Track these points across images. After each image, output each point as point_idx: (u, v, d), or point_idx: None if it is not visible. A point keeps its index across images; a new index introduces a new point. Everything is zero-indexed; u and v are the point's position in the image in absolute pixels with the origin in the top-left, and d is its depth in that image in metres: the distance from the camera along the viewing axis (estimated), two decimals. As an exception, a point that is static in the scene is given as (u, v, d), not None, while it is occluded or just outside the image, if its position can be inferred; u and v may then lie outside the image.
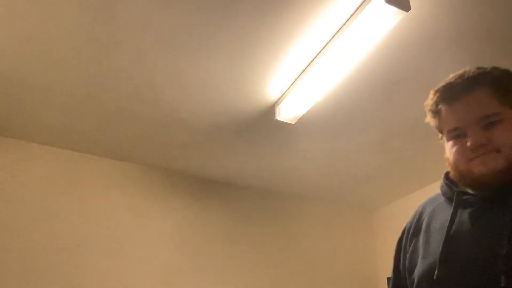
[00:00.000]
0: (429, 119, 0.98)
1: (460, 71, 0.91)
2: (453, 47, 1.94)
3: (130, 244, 2.81)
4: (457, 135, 0.90)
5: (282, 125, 2.52)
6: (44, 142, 2.79)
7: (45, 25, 1.83)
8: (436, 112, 0.94)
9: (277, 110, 2.33)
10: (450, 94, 0.90)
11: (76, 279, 2.57)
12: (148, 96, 2.31)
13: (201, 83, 2.20)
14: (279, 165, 3.05)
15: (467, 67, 0.92)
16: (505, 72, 0.91)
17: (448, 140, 0.92)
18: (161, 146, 2.83)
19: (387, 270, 3.97)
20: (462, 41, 1.90)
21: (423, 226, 0.99)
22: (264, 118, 2.49)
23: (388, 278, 3.62)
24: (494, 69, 0.91)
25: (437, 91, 0.94)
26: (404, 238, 1.07)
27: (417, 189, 3.41)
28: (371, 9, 1.64)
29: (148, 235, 2.90)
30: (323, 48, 1.93)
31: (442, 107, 0.92)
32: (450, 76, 0.92)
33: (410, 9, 1.62)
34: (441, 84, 0.93)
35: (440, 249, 0.87)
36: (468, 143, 0.86)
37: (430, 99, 0.96)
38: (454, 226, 0.88)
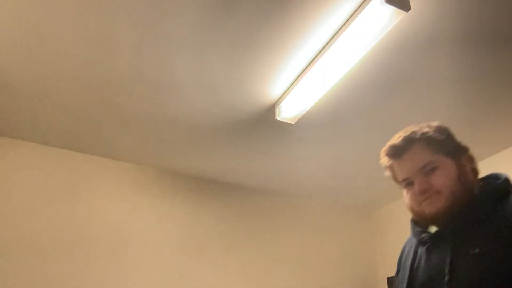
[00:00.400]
0: (387, 173, 1.18)
1: (399, 133, 1.12)
2: (453, 47, 1.94)
3: (130, 243, 2.81)
4: (407, 184, 1.09)
5: (282, 125, 2.52)
6: (44, 142, 2.79)
7: (46, 26, 1.83)
8: (389, 168, 1.15)
9: (277, 110, 2.33)
10: (395, 153, 1.11)
11: (77, 279, 2.57)
12: (148, 96, 2.31)
13: (201, 83, 2.20)
14: (279, 165, 3.05)
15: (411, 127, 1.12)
16: (435, 128, 1.10)
17: (403, 189, 1.12)
18: (161, 146, 2.83)
19: (387, 270, 4.01)
20: (462, 41, 1.90)
21: (401, 265, 1.19)
22: (264, 118, 2.49)
23: (388, 278, 3.63)
24: (426, 126, 1.11)
25: (385, 151, 1.15)
26: (396, 273, 1.26)
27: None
28: (371, 9, 1.64)
29: (148, 234, 2.90)
30: (323, 48, 1.93)
31: (392, 163, 1.13)
32: (393, 138, 1.13)
33: (410, 9, 1.62)
34: (387, 145, 1.14)
35: (406, 285, 1.08)
36: (416, 189, 1.05)
37: (382, 158, 1.17)
38: (415, 263, 1.09)
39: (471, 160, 1.11)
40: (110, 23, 1.82)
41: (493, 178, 1.07)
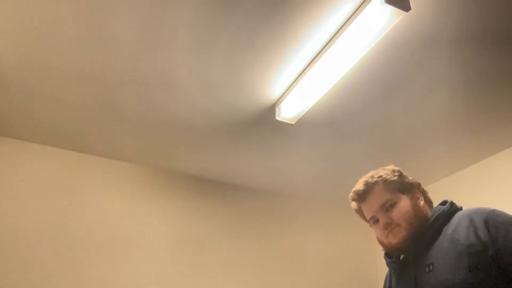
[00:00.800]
0: (358, 214, 1.38)
1: (360, 180, 1.33)
2: (453, 47, 1.94)
3: (130, 243, 2.81)
4: (374, 221, 1.28)
5: (282, 125, 2.52)
6: (44, 142, 2.79)
7: (46, 26, 1.83)
8: (358, 210, 1.35)
9: (277, 110, 2.33)
10: (359, 197, 1.31)
11: (77, 279, 2.58)
12: (148, 96, 2.31)
13: (201, 83, 2.20)
14: (279, 165, 3.05)
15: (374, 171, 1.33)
16: (390, 171, 1.30)
17: (372, 226, 1.31)
18: (161, 146, 2.83)
19: (387, 270, 3.95)
20: (462, 41, 1.90)
21: None
22: (264, 118, 2.49)
23: (388, 278, 3.61)
24: (382, 170, 1.32)
25: (352, 197, 1.34)
26: None
27: (417, 189, 3.41)
28: (371, 9, 1.64)
29: (148, 234, 2.90)
30: (323, 48, 1.93)
31: (359, 206, 1.33)
32: (356, 185, 1.33)
33: (410, 9, 1.62)
34: (352, 191, 1.34)
35: None
36: (380, 225, 1.24)
37: (351, 203, 1.37)
38: None
39: (423, 192, 1.31)
40: (111, 23, 1.82)
41: (440, 205, 1.26)
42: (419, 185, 1.31)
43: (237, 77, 2.15)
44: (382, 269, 3.58)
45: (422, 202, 1.26)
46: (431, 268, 1.11)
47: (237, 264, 3.10)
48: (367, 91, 2.25)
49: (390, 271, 1.34)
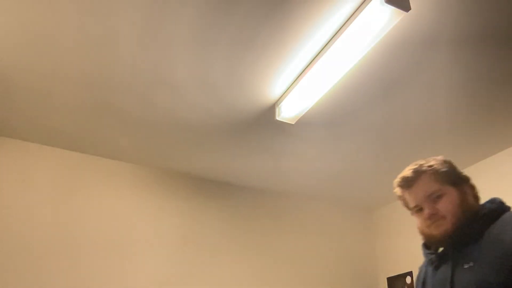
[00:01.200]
0: (400, 201, 1.34)
1: (409, 166, 1.29)
2: (453, 47, 1.94)
3: (130, 243, 2.81)
4: (418, 210, 1.25)
5: (282, 125, 2.52)
6: (45, 142, 2.79)
7: (46, 26, 1.83)
8: (401, 197, 1.31)
9: (277, 110, 2.33)
10: (406, 184, 1.27)
11: (77, 279, 2.58)
12: (148, 96, 2.31)
13: (201, 83, 2.20)
14: (279, 165, 3.05)
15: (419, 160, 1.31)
16: (440, 161, 1.28)
17: (414, 214, 1.27)
18: (161, 146, 2.83)
19: (387, 270, 4.00)
20: (462, 41, 1.90)
21: (420, 284, 1.34)
22: (264, 118, 2.49)
23: (388, 278, 3.63)
24: (432, 159, 1.29)
25: (398, 183, 1.30)
26: None
27: (417, 189, 3.41)
28: (371, 9, 1.64)
29: (148, 234, 2.90)
30: (323, 48, 1.93)
31: (404, 193, 1.29)
32: (404, 171, 1.29)
33: (410, 9, 1.62)
34: (399, 177, 1.30)
35: None
36: (425, 215, 1.21)
37: (395, 188, 1.33)
38: (426, 281, 1.27)
39: (472, 188, 1.27)
40: (111, 23, 1.81)
41: (489, 203, 1.22)
42: (468, 179, 1.29)
43: (237, 77, 2.15)
44: (382, 269, 3.59)
45: (470, 197, 1.24)
46: (471, 265, 1.09)
47: (237, 263, 3.10)
48: (367, 91, 2.25)
49: (426, 262, 1.31)
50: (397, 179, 1.31)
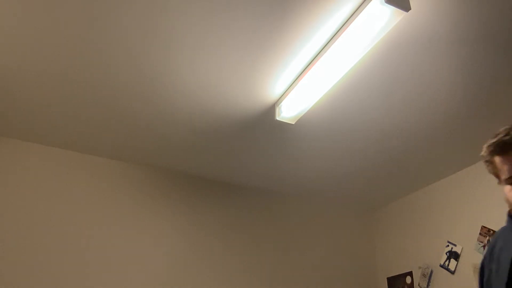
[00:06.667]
0: (489, 168, 1.17)
1: (505, 128, 1.12)
2: (453, 47, 1.94)
3: (129, 243, 2.81)
4: None
5: (282, 125, 2.52)
6: (44, 142, 2.79)
7: (46, 26, 1.83)
8: (490, 162, 1.14)
9: (277, 110, 2.33)
10: (502, 149, 1.09)
11: (76, 278, 2.58)
12: (148, 96, 2.31)
13: (201, 84, 2.20)
14: (279, 165, 3.05)
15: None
16: None
17: (506, 185, 1.11)
18: (161, 146, 2.83)
19: (387, 270, 3.99)
20: (462, 41, 1.90)
21: (495, 255, 1.18)
22: (264, 118, 2.49)
23: (388, 278, 3.63)
24: None
25: (490, 145, 1.13)
26: (483, 264, 1.24)
27: (417, 189, 3.41)
28: (371, 9, 1.64)
29: (148, 234, 2.90)
30: (323, 48, 1.93)
31: (495, 158, 1.12)
32: (499, 132, 1.12)
33: (410, 9, 1.62)
34: (492, 140, 1.12)
35: (506, 278, 1.07)
36: None
37: (484, 151, 1.15)
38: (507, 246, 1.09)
39: None
40: (111, 23, 1.82)
41: None
42: None
43: (237, 77, 2.15)
44: (382, 268, 3.58)
45: None
46: None
47: (236, 263, 3.10)
48: (367, 91, 2.25)
49: (508, 229, 1.16)
50: (490, 142, 1.13)
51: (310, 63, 2.02)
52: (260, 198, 3.43)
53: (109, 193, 2.91)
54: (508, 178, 1.08)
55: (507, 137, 1.08)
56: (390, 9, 1.61)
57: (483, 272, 1.22)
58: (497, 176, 1.14)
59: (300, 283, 3.27)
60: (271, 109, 2.39)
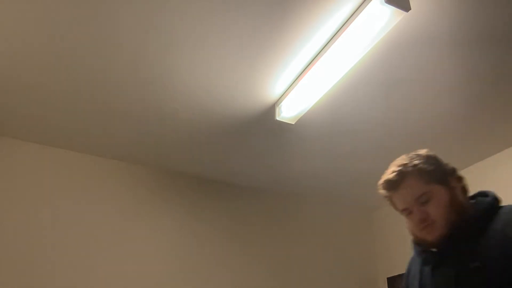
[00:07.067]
0: (389, 203, 1.26)
1: (391, 167, 1.21)
2: (453, 47, 1.94)
3: (129, 243, 2.81)
4: (407, 213, 1.17)
5: (282, 125, 2.52)
6: (44, 142, 2.79)
7: (46, 27, 1.83)
8: (389, 199, 1.24)
9: (277, 110, 2.33)
10: (391, 187, 1.19)
11: (76, 278, 2.57)
12: (148, 96, 2.31)
13: (201, 84, 2.20)
14: (279, 165, 3.05)
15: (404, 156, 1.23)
16: (425, 158, 1.18)
17: (405, 217, 1.20)
18: (161, 146, 2.83)
19: (387, 270, 3.99)
20: (462, 41, 1.90)
21: (409, 283, 1.29)
22: (264, 118, 2.49)
23: (388, 278, 3.62)
24: (416, 156, 1.20)
25: (382, 186, 1.23)
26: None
27: (417, 189, 3.41)
28: (371, 9, 1.64)
29: (148, 234, 2.90)
30: (323, 48, 1.93)
31: (390, 195, 1.22)
32: (387, 172, 1.22)
33: (410, 9, 1.62)
34: (383, 180, 1.22)
35: None
36: (415, 219, 1.14)
37: (380, 190, 1.25)
38: (423, 282, 1.18)
39: (460, 179, 1.19)
40: (111, 24, 1.81)
41: (482, 196, 1.17)
42: (454, 171, 1.19)
43: (237, 77, 2.15)
44: (382, 269, 3.58)
45: (459, 192, 1.15)
46: (477, 265, 1.01)
47: (236, 263, 3.10)
48: (367, 91, 2.25)
49: (420, 261, 1.22)
50: (381, 182, 1.23)
51: (310, 63, 2.02)
52: (260, 198, 3.43)
53: (108, 193, 2.90)
54: (402, 210, 1.18)
55: (392, 175, 1.18)
56: (390, 9, 1.61)
57: None
58: (396, 210, 1.23)
59: (300, 283, 3.26)
60: (271, 109, 2.39)
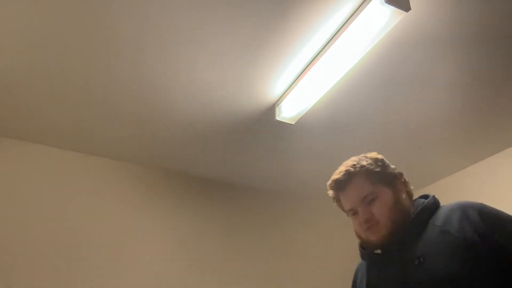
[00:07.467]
0: (335, 203, 1.33)
1: (340, 168, 1.27)
2: (453, 47, 1.94)
3: (129, 243, 2.81)
4: (353, 213, 1.21)
5: (282, 125, 2.52)
6: (44, 142, 2.79)
7: (46, 27, 1.83)
8: (336, 199, 1.30)
9: (277, 110, 2.33)
10: (338, 186, 1.25)
11: (75, 279, 2.57)
12: (148, 96, 2.31)
13: (201, 83, 2.20)
14: (279, 165, 3.05)
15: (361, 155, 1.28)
16: (372, 160, 1.23)
17: (350, 217, 1.24)
18: (161, 146, 2.83)
19: (387, 270, 3.86)
20: (462, 41, 1.90)
21: (357, 286, 1.33)
22: (264, 118, 2.49)
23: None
24: (364, 158, 1.25)
25: (330, 185, 1.29)
26: None
27: (416, 189, 3.41)
28: (371, 9, 1.64)
29: (148, 235, 2.90)
30: (323, 48, 1.93)
31: (338, 195, 1.27)
32: (335, 173, 1.27)
33: (410, 9, 1.62)
34: (331, 180, 1.28)
35: None
36: (360, 219, 1.17)
37: (328, 191, 1.32)
38: (371, 284, 1.21)
39: (406, 184, 1.23)
40: (111, 24, 1.82)
41: (423, 198, 1.22)
42: (401, 175, 1.24)
43: (237, 77, 2.15)
44: (382, 269, 3.58)
45: (404, 195, 1.20)
46: (421, 261, 1.04)
47: (237, 263, 3.10)
48: (367, 91, 2.25)
49: (367, 263, 1.28)
50: (330, 182, 1.28)
51: (310, 63, 2.02)
52: (260, 198, 3.43)
53: (108, 193, 2.90)
54: (348, 210, 1.22)
55: (340, 175, 1.23)
56: (390, 9, 1.61)
57: None
58: (344, 210, 1.27)
59: (300, 283, 3.26)
60: (271, 109, 2.39)
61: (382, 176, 1.20)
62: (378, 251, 1.19)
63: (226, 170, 3.15)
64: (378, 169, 1.21)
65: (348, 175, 1.22)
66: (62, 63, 2.06)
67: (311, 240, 3.49)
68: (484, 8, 1.72)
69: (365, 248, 1.25)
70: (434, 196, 1.20)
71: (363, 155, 1.28)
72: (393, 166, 1.24)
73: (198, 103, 2.36)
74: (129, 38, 1.90)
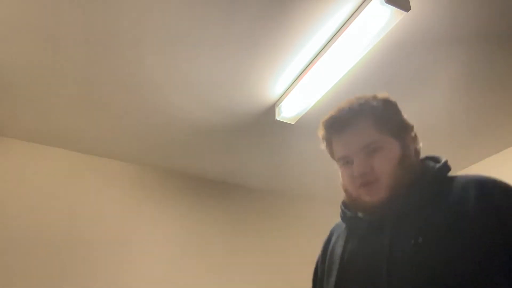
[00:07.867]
0: (324, 147, 1.07)
1: (343, 103, 1.00)
2: (453, 47, 1.94)
3: (129, 243, 2.81)
4: (346, 162, 0.97)
5: (282, 125, 2.52)
6: (45, 142, 2.79)
7: (46, 26, 1.83)
8: (328, 142, 1.04)
9: (277, 110, 2.33)
10: (336, 126, 0.99)
11: (77, 279, 2.57)
12: (148, 96, 2.31)
13: (201, 83, 2.20)
14: (279, 165, 3.05)
15: (355, 97, 1.02)
16: (383, 102, 0.99)
17: (340, 167, 1.00)
18: (161, 146, 2.83)
19: (387, 270, 3.89)
20: (462, 41, 1.90)
21: (328, 254, 1.06)
22: (264, 118, 2.49)
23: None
24: (373, 98, 0.99)
25: (325, 123, 1.03)
26: (318, 262, 1.14)
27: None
28: (371, 9, 1.64)
29: (148, 234, 2.90)
30: (323, 48, 1.93)
31: (331, 137, 1.02)
32: (335, 109, 1.01)
33: (410, 9, 1.62)
34: (328, 116, 1.01)
35: (335, 277, 0.95)
36: (355, 171, 0.93)
37: (321, 130, 1.05)
38: (347, 253, 0.96)
39: (415, 139, 1.00)
40: (111, 24, 1.82)
41: (433, 161, 0.98)
42: (412, 128, 1.01)
43: (237, 77, 2.15)
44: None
45: (411, 153, 0.96)
46: (418, 241, 0.81)
47: (237, 263, 3.10)
48: (367, 91, 2.23)
49: (347, 228, 1.03)
50: (326, 117, 1.03)
51: (310, 63, 2.02)
52: (260, 198, 3.43)
53: (108, 193, 2.90)
54: (340, 158, 0.99)
55: (342, 113, 1.00)
56: (390, 9, 1.61)
57: (317, 273, 1.11)
58: (332, 157, 1.04)
59: (299, 283, 3.26)
60: (271, 109, 2.39)
61: (392, 124, 0.97)
62: (365, 216, 0.95)
63: (226, 170, 3.15)
64: (389, 116, 0.98)
65: (353, 113, 0.97)
66: (63, 63, 2.06)
67: (311, 240, 3.48)
68: (484, 8, 1.72)
69: (349, 209, 1.01)
70: (447, 162, 0.96)
71: (371, 95, 1.01)
72: (405, 115, 1.01)
73: (198, 103, 2.36)
74: (130, 40, 1.90)
